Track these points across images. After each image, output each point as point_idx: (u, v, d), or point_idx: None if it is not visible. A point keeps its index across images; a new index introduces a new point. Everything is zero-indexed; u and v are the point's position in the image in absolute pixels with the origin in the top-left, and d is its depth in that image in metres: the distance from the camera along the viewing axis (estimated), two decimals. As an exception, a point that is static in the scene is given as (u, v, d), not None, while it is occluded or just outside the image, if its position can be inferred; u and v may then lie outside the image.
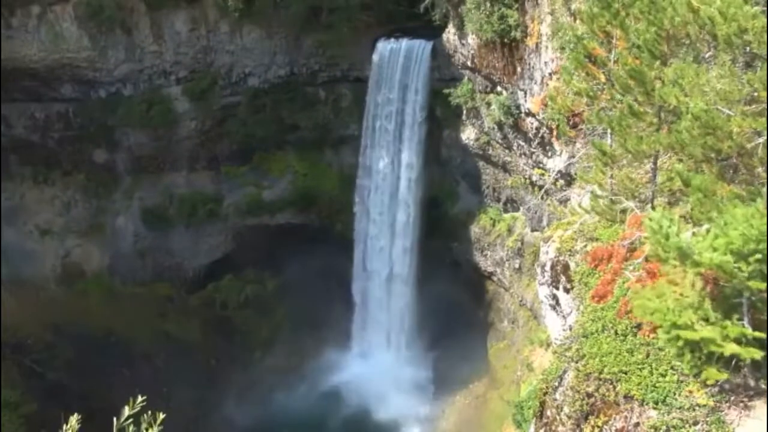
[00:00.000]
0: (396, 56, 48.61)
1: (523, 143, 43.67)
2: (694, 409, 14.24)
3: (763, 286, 13.37)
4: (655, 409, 14.57)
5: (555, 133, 36.81)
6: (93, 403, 41.31)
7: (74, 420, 9.44)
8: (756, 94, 15.26)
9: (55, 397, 46.17)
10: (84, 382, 48.68)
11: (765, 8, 16.13)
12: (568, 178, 36.52)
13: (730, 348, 13.50)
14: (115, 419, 9.11)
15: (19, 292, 51.17)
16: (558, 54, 34.34)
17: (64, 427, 9.41)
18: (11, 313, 48.97)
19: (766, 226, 13.27)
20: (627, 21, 19.56)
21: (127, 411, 9.18)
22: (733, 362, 14.11)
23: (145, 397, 9.25)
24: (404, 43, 48.46)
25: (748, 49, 15.50)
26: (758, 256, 13.24)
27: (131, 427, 9.27)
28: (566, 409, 16.80)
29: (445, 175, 53.20)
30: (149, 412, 9.43)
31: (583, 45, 21.46)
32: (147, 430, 9.32)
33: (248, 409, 50.71)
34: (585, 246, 21.55)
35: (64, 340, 51.31)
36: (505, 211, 49.70)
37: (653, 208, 20.13)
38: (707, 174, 16.30)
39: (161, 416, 9.42)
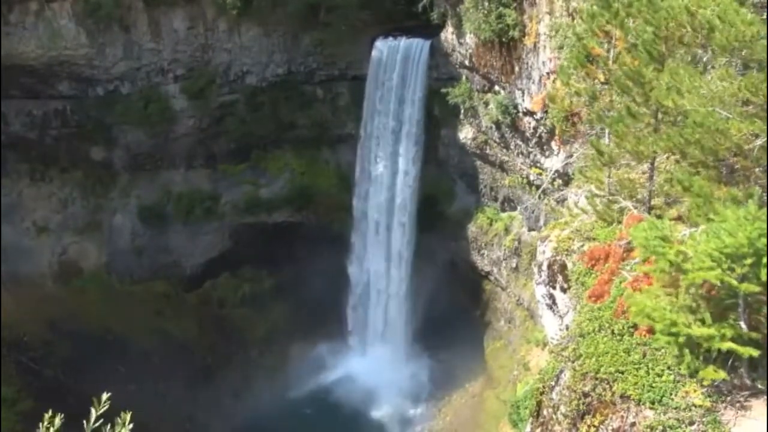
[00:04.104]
0: (394, 55, 48.62)
1: (520, 143, 43.73)
2: (690, 409, 14.26)
3: (756, 288, 13.41)
4: (651, 409, 14.59)
5: (558, 133, 36.77)
6: (89, 401, 41.29)
7: (58, 419, 9.36)
8: (753, 97, 15.31)
9: (51, 394, 46.11)
10: (80, 379, 48.62)
11: (763, 10, 16.20)
12: (565, 177, 36.53)
13: (728, 345, 13.55)
14: (85, 422, 9.03)
15: (16, 290, 51.14)
16: (556, 53, 34.39)
17: (41, 425, 9.33)
18: (8, 310, 48.93)
19: (757, 229, 13.29)
20: (627, 21, 19.58)
21: (94, 413, 9.09)
22: (730, 362, 14.15)
23: (110, 395, 9.19)
24: (402, 41, 48.47)
25: (744, 53, 15.55)
26: (751, 260, 13.28)
27: (107, 426, 9.20)
28: (563, 409, 16.82)
29: (443, 174, 53.24)
30: (123, 413, 9.36)
31: (583, 44, 21.47)
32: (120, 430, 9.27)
33: (245, 407, 50.76)
34: (582, 246, 21.53)
35: (60, 338, 51.32)
36: (503, 210, 49.74)
37: (651, 208, 20.18)
38: (704, 176, 16.34)
39: (128, 415, 9.36)
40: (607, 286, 18.59)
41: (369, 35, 49.81)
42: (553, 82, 34.65)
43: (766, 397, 14.17)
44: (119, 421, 9.36)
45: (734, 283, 13.37)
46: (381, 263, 53.96)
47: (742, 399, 14.29)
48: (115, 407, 9.31)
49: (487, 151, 48.30)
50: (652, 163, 19.64)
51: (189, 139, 55.32)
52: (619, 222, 20.60)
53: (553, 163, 39.77)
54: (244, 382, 52.83)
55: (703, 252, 13.64)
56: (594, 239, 21.28)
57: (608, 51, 20.68)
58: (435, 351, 52.75)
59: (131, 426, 9.43)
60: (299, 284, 53.56)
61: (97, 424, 9.07)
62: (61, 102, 53.09)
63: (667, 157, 19.20)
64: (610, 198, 21.46)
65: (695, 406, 14.29)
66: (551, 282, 23.68)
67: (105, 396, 9.15)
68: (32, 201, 55.30)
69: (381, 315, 54.81)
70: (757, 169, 16.26)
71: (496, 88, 43.63)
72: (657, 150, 18.21)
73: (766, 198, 15.83)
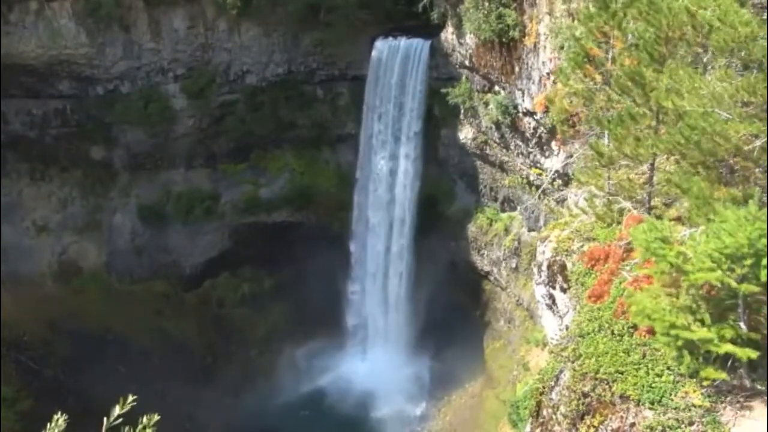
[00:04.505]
0: (394, 55, 48.61)
1: (520, 143, 43.73)
2: (689, 410, 14.26)
3: (756, 288, 13.41)
4: (651, 409, 14.60)
5: (558, 133, 36.78)
6: (89, 400, 41.33)
7: (62, 419, 9.36)
8: (751, 97, 15.32)
9: (51, 393, 46.12)
10: (80, 379, 48.66)
11: (762, 10, 16.20)
12: (565, 177, 36.54)
13: (726, 347, 13.56)
14: (105, 419, 9.03)
15: (15, 289, 51.10)
16: (556, 54, 34.40)
17: (48, 425, 9.33)
18: (8, 309, 48.90)
19: (757, 230, 13.30)
20: (624, 22, 19.58)
21: (117, 410, 9.10)
22: (729, 363, 14.16)
23: (135, 397, 9.19)
24: (402, 41, 48.47)
25: (743, 53, 15.56)
26: (750, 260, 13.29)
27: (126, 428, 9.21)
28: (562, 409, 16.83)
29: (443, 175, 53.24)
30: (146, 415, 9.36)
31: (580, 45, 21.48)
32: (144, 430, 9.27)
33: (244, 406, 50.72)
34: (582, 246, 21.54)
35: (60, 337, 51.30)
36: (503, 210, 49.74)
37: (650, 208, 20.19)
38: (704, 176, 16.34)
39: (156, 417, 9.36)
40: (606, 286, 18.60)
41: (369, 35, 49.81)
42: (554, 82, 34.67)
43: (766, 397, 14.17)
44: (143, 421, 9.35)
45: (734, 283, 13.38)
46: (381, 262, 53.99)
47: (742, 399, 14.29)
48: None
49: (487, 151, 48.30)
50: (652, 164, 19.64)
51: (189, 138, 55.31)
52: (619, 222, 20.61)
53: (553, 163, 39.79)
54: (244, 381, 52.82)
55: (703, 252, 13.65)
56: (594, 239, 21.29)
57: (606, 52, 20.70)
58: (435, 351, 52.74)
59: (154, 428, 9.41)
60: (299, 284, 53.55)
61: (117, 422, 9.07)
62: (61, 101, 53.06)
63: (667, 158, 19.20)
64: (610, 198, 21.47)
65: (695, 407, 14.29)
66: (551, 282, 23.70)
67: (131, 397, 9.15)
68: (32, 200, 55.28)
69: (380, 314, 54.83)
70: (756, 170, 16.27)
71: (496, 88, 43.62)
72: (656, 152, 18.22)
73: (766, 198, 15.84)
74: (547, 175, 39.92)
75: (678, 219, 18.52)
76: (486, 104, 44.86)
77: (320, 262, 52.26)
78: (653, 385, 14.93)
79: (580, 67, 21.04)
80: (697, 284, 14.06)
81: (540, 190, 40.72)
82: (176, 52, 51.84)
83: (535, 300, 31.78)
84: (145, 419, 9.31)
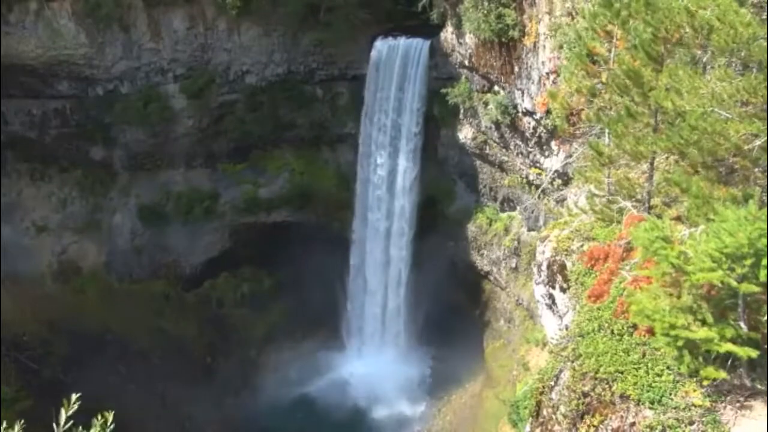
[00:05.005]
0: (394, 55, 48.58)
1: (520, 142, 43.74)
2: (689, 409, 14.27)
3: (756, 288, 13.42)
4: (650, 408, 14.60)
5: (559, 132, 36.75)
6: (88, 400, 41.26)
7: (18, 427, 9.38)
8: (751, 98, 15.32)
9: (50, 393, 45.96)
10: (80, 378, 48.58)
11: (762, 10, 16.19)
12: (565, 177, 36.55)
13: (727, 347, 13.56)
14: (54, 425, 9.03)
15: (15, 289, 51.09)
16: (556, 53, 34.39)
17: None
18: (7, 309, 48.90)
19: (758, 230, 13.30)
20: (629, 20, 19.55)
21: (64, 413, 9.09)
22: (729, 362, 14.16)
23: (79, 394, 9.18)
24: (402, 41, 48.43)
25: (743, 53, 15.56)
26: (750, 260, 13.29)
27: (79, 428, 9.20)
28: (562, 409, 16.82)
29: (442, 174, 53.22)
30: (100, 414, 9.36)
31: (584, 43, 21.46)
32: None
33: (243, 406, 50.74)
34: (581, 246, 21.54)
35: (60, 337, 51.29)
36: (502, 210, 49.74)
37: (650, 208, 20.18)
38: (703, 176, 16.34)
39: (111, 415, 9.37)
40: (606, 286, 18.59)
41: (369, 35, 49.77)
42: (553, 82, 34.68)
43: (766, 396, 14.17)
44: (95, 422, 9.36)
45: (734, 283, 13.38)
46: (380, 262, 53.99)
47: (742, 399, 14.29)
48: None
49: (487, 151, 48.30)
50: (652, 163, 19.62)
51: (188, 138, 55.29)
52: (619, 222, 20.60)
53: (553, 163, 39.80)
54: (244, 381, 52.82)
55: (703, 252, 13.65)
56: (593, 239, 21.28)
57: (609, 51, 20.67)
58: (434, 350, 52.75)
59: (112, 426, 9.40)
60: (298, 284, 53.56)
61: (68, 425, 9.05)
62: (61, 101, 53.05)
63: (667, 157, 19.19)
64: (610, 198, 21.46)
65: (695, 406, 14.29)
66: (551, 282, 23.69)
67: (74, 396, 9.12)
68: (31, 200, 55.29)
69: (380, 314, 54.81)
70: (756, 170, 16.27)
71: (496, 88, 43.63)
72: (656, 150, 18.21)
73: (766, 198, 15.85)
74: (546, 175, 39.92)
75: (678, 218, 18.52)
76: (485, 104, 44.86)
77: (320, 261, 52.25)
78: (653, 384, 14.94)
79: (583, 63, 21.01)
80: (698, 284, 14.06)
81: (540, 190, 40.74)
82: (176, 52, 51.80)
83: (534, 300, 31.75)
84: (99, 417, 9.33)
